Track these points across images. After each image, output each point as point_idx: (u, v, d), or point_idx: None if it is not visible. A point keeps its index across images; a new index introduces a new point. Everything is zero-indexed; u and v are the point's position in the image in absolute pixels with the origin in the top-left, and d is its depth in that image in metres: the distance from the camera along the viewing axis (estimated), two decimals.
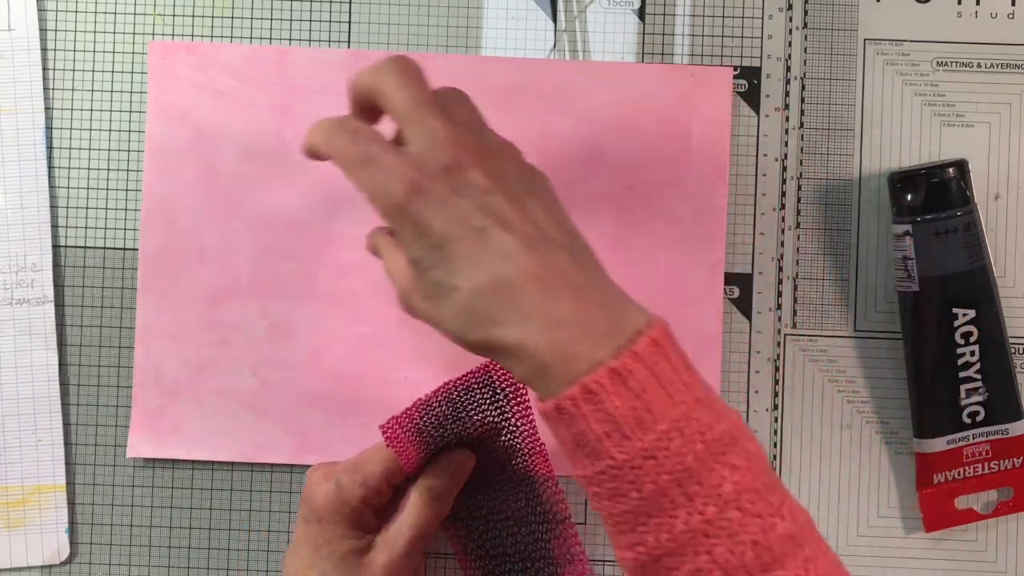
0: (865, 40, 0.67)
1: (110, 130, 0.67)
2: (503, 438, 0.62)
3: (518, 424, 0.61)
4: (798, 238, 0.67)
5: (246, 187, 0.67)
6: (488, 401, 0.60)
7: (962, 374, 0.64)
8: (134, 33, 0.67)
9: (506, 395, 0.61)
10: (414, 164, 0.49)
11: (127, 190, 0.67)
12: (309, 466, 0.67)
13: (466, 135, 0.51)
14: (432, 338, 0.66)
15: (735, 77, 0.67)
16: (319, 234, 0.67)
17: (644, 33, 0.67)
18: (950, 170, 0.63)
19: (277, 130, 0.67)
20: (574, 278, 0.48)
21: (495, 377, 0.61)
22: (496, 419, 0.61)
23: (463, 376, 0.61)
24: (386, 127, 0.53)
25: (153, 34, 0.67)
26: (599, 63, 0.67)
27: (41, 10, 0.67)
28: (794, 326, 0.67)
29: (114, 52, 0.67)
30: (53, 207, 0.67)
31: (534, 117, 0.67)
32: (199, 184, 0.67)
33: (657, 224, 0.66)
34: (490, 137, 0.53)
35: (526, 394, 0.61)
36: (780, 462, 0.67)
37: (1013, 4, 0.67)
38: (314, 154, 0.52)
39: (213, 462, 0.67)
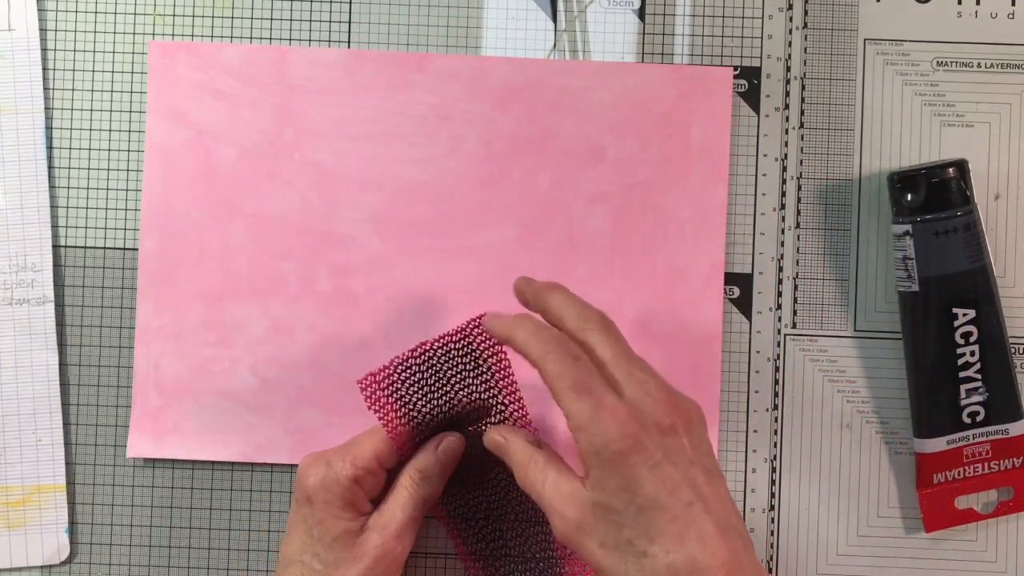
0: (865, 40, 0.67)
1: (110, 130, 0.67)
2: (493, 419, 0.62)
3: (506, 403, 0.61)
4: (798, 238, 0.67)
5: (246, 187, 0.67)
6: (471, 372, 0.60)
7: (962, 374, 0.64)
8: (134, 33, 0.67)
9: (489, 367, 0.61)
10: (634, 415, 0.51)
11: (127, 190, 0.67)
12: None
13: (668, 392, 0.53)
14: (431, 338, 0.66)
15: (735, 77, 0.67)
16: (319, 234, 0.67)
17: (644, 33, 0.67)
18: (950, 170, 0.63)
19: (277, 130, 0.67)
20: (749, 569, 0.51)
21: (475, 344, 0.60)
22: (483, 395, 0.60)
23: (441, 337, 0.61)
24: None
25: (153, 34, 0.67)
26: (599, 63, 0.67)
27: (41, 10, 0.67)
28: (794, 326, 0.67)
29: (114, 52, 0.67)
30: (53, 207, 0.67)
31: (535, 117, 0.67)
32: (199, 184, 0.67)
33: (657, 224, 0.67)
34: (679, 395, 0.55)
35: (509, 367, 0.61)
36: (780, 462, 0.67)
37: (1013, 4, 0.67)
38: (510, 343, 0.55)
39: (213, 462, 0.67)
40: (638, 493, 0.49)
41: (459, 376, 0.60)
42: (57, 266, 0.67)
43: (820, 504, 0.67)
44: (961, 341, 0.64)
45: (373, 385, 0.60)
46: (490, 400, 0.61)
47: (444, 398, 0.60)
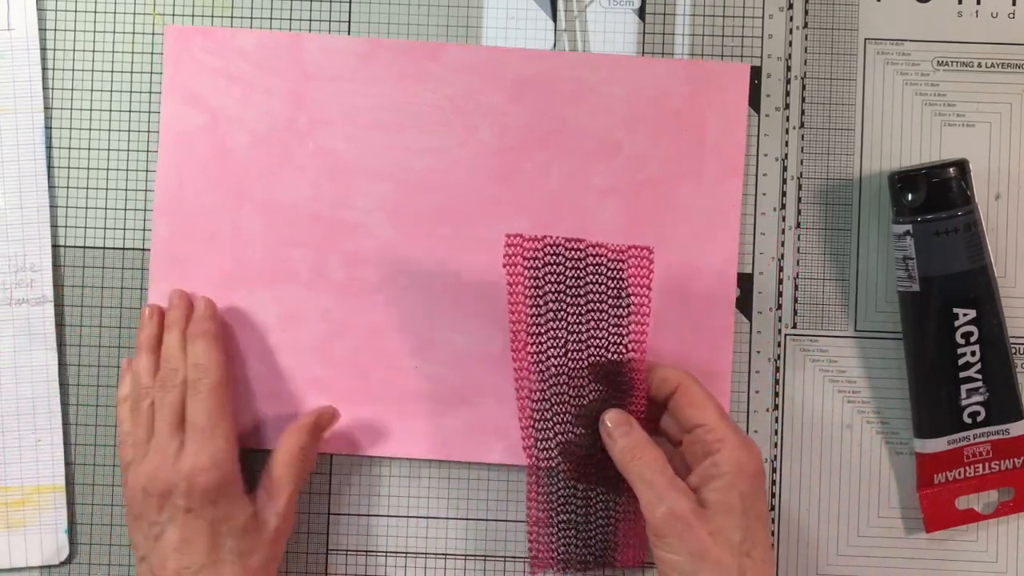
0: (865, 40, 0.67)
1: (110, 130, 0.67)
2: (610, 353, 0.62)
3: (628, 344, 0.62)
4: (798, 238, 0.67)
5: (259, 173, 0.67)
6: (610, 296, 0.62)
7: (962, 374, 0.64)
8: (134, 33, 0.67)
9: (628, 303, 0.62)
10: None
11: (127, 190, 0.67)
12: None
13: None
14: (441, 329, 0.66)
15: None
16: (331, 222, 0.67)
17: (644, 33, 0.67)
18: (950, 170, 0.63)
19: (291, 116, 0.67)
20: None
21: (626, 270, 0.62)
22: (611, 323, 0.62)
23: (598, 245, 0.62)
24: None
25: (153, 34, 0.67)
26: (615, 57, 0.67)
27: (41, 10, 0.67)
28: (794, 326, 0.67)
29: (114, 52, 0.67)
30: (53, 207, 0.67)
31: (548, 109, 0.67)
32: (212, 169, 0.67)
33: (670, 218, 0.66)
34: None
35: (648, 312, 0.62)
36: (780, 462, 0.67)
37: (1013, 4, 0.67)
38: (682, 379, 0.61)
39: None
40: (754, 507, 0.58)
41: (597, 293, 0.61)
42: (57, 266, 0.67)
43: (820, 504, 0.67)
44: (961, 341, 0.64)
45: (517, 248, 0.61)
46: (614, 332, 0.61)
47: (573, 305, 0.61)
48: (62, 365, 0.67)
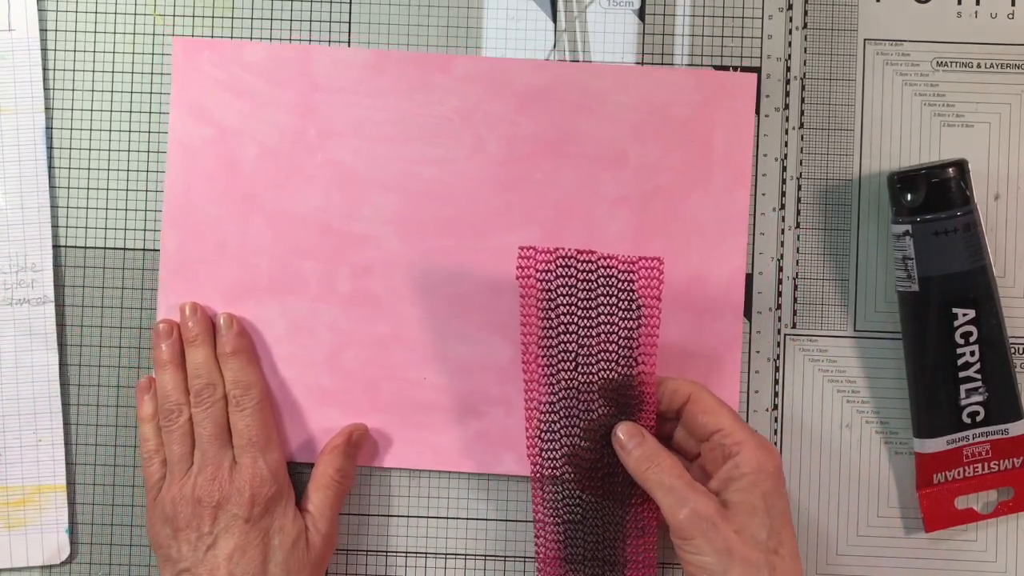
0: (865, 40, 0.67)
1: (110, 130, 0.67)
2: (619, 367, 0.62)
3: (636, 357, 0.62)
4: (798, 238, 0.67)
5: (267, 185, 0.67)
6: (621, 307, 0.62)
7: (962, 374, 0.64)
8: (134, 33, 0.67)
9: (639, 314, 0.62)
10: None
11: (128, 190, 0.67)
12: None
13: None
14: (450, 340, 0.66)
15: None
16: (339, 234, 0.67)
17: (644, 33, 0.67)
18: (950, 170, 0.63)
19: (299, 128, 0.67)
20: None
21: (636, 281, 0.62)
22: (621, 335, 0.62)
23: (608, 256, 0.62)
24: None
25: (153, 34, 0.67)
26: (622, 67, 0.67)
27: (41, 10, 0.67)
28: (794, 326, 0.67)
29: (114, 52, 0.67)
30: (53, 207, 0.67)
31: (557, 119, 0.66)
32: (220, 181, 0.67)
33: (678, 228, 0.66)
34: None
35: (658, 323, 0.62)
36: None
37: (1013, 4, 0.67)
38: (694, 390, 0.61)
39: None
40: (776, 505, 0.59)
41: (608, 305, 0.61)
42: (57, 266, 0.67)
43: (820, 504, 0.67)
44: (961, 341, 0.64)
45: (531, 260, 0.61)
46: (625, 345, 0.61)
47: (584, 318, 0.61)
48: (63, 365, 0.67)
